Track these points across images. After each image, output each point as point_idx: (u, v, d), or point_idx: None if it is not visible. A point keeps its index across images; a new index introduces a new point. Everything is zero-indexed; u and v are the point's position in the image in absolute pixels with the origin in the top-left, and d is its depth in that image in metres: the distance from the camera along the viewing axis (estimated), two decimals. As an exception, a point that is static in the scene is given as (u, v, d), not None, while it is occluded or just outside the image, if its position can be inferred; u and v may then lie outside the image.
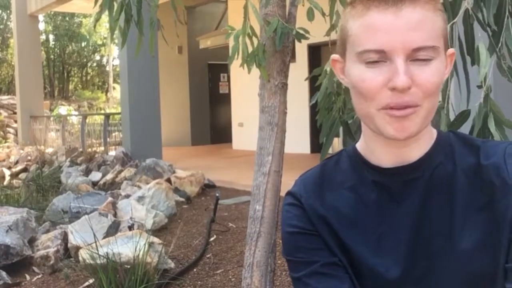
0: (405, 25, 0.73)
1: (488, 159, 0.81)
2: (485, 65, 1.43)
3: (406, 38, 0.73)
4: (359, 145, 0.88)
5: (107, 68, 28.29)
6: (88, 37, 27.63)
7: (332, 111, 1.84)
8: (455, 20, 1.52)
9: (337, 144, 1.82)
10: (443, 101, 1.49)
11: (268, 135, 2.50)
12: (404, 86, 0.73)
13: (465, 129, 1.46)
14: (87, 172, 8.22)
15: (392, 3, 0.74)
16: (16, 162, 10.94)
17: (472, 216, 0.80)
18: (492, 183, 0.79)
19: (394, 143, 0.81)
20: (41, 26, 23.86)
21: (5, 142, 15.36)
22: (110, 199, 5.27)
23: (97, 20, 2.55)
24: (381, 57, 0.75)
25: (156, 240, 3.78)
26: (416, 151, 0.83)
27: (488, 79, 1.46)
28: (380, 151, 0.84)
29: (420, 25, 0.74)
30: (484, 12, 1.52)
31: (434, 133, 0.86)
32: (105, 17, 2.49)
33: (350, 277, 0.84)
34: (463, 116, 1.52)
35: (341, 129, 1.84)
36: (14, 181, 9.38)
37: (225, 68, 12.64)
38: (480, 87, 1.49)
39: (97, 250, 3.40)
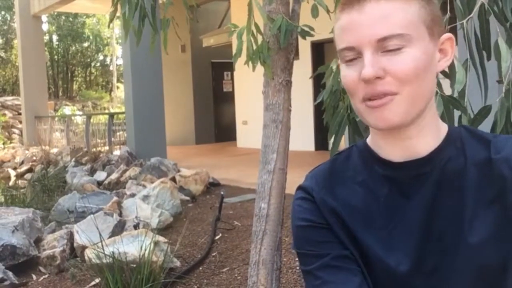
0: (368, 20, 0.77)
1: (498, 153, 0.81)
2: (506, 59, 1.42)
3: (370, 31, 0.76)
4: (369, 140, 0.89)
5: (111, 68, 28.35)
6: (91, 37, 27.68)
7: (339, 109, 1.83)
8: (471, 15, 1.50)
9: (343, 142, 1.81)
10: (461, 98, 1.47)
11: (272, 132, 2.50)
12: (369, 77, 0.76)
13: (486, 124, 1.45)
14: (92, 172, 8.24)
15: (356, 2, 0.78)
16: (21, 163, 10.98)
17: (482, 210, 0.80)
18: (503, 176, 0.79)
19: (395, 134, 0.82)
20: (45, 26, 23.95)
21: (10, 142, 15.42)
22: (115, 198, 5.29)
23: (111, 19, 2.56)
24: (354, 54, 0.78)
25: (161, 239, 3.78)
26: (423, 145, 0.83)
27: (509, 73, 1.44)
28: (386, 144, 0.85)
29: (384, 17, 0.76)
30: (501, 6, 1.50)
31: (443, 127, 0.86)
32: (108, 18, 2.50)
33: (361, 270, 0.84)
34: (485, 112, 1.49)
35: (347, 127, 1.83)
36: (20, 182, 9.41)
37: (228, 66, 12.64)
38: (500, 82, 1.47)
39: (103, 249, 3.41)
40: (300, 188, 0.92)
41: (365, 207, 0.86)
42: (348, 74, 0.80)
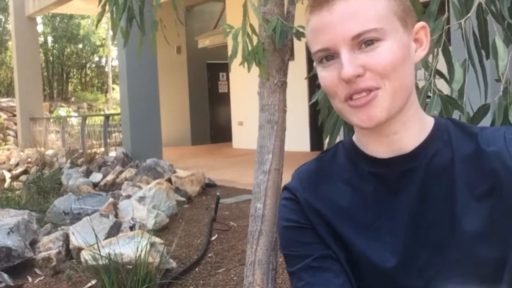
0: (339, 18, 0.76)
1: (488, 146, 0.79)
2: (503, 58, 1.42)
3: (343, 30, 0.75)
4: (355, 137, 0.88)
5: (106, 69, 28.28)
6: (87, 38, 27.61)
7: (333, 109, 1.84)
8: (469, 15, 1.51)
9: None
10: (460, 97, 1.47)
11: (268, 133, 2.50)
12: (350, 76, 0.75)
13: (485, 123, 1.45)
14: (87, 173, 8.22)
15: (325, 2, 0.77)
16: (17, 165, 10.95)
17: (473, 204, 0.78)
18: (494, 170, 0.78)
19: (379, 130, 0.80)
20: (40, 28, 23.85)
21: (5, 144, 15.36)
22: (111, 200, 5.28)
23: (99, 20, 2.55)
24: (329, 55, 0.77)
25: (157, 240, 3.78)
26: (407, 139, 0.82)
27: (506, 72, 1.45)
28: (371, 141, 0.84)
29: (355, 14, 0.75)
30: (498, 5, 1.51)
31: (429, 120, 0.85)
32: (104, 18, 2.50)
33: (345, 271, 0.83)
34: (483, 110, 1.49)
35: (342, 127, 1.84)
36: (15, 183, 9.39)
37: (224, 67, 12.63)
38: (498, 80, 1.47)
39: (99, 251, 3.40)
40: (285, 188, 0.91)
41: (351, 205, 0.84)
42: (326, 76, 0.79)
